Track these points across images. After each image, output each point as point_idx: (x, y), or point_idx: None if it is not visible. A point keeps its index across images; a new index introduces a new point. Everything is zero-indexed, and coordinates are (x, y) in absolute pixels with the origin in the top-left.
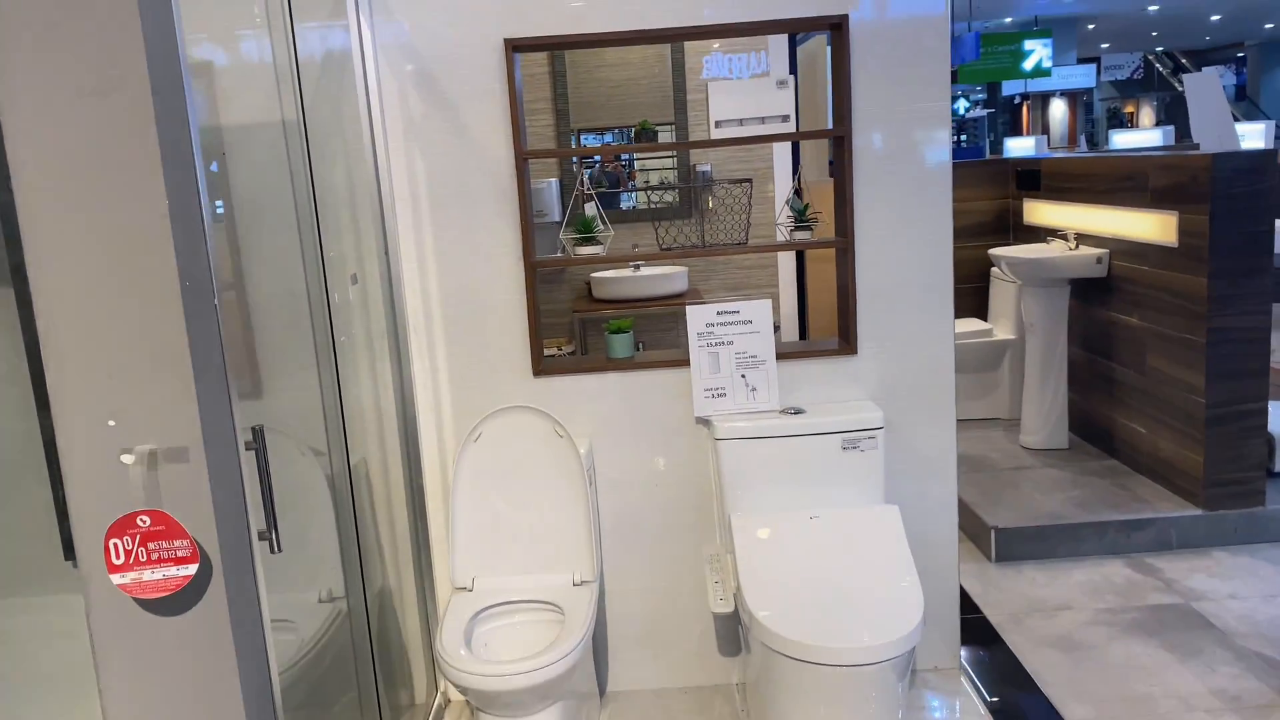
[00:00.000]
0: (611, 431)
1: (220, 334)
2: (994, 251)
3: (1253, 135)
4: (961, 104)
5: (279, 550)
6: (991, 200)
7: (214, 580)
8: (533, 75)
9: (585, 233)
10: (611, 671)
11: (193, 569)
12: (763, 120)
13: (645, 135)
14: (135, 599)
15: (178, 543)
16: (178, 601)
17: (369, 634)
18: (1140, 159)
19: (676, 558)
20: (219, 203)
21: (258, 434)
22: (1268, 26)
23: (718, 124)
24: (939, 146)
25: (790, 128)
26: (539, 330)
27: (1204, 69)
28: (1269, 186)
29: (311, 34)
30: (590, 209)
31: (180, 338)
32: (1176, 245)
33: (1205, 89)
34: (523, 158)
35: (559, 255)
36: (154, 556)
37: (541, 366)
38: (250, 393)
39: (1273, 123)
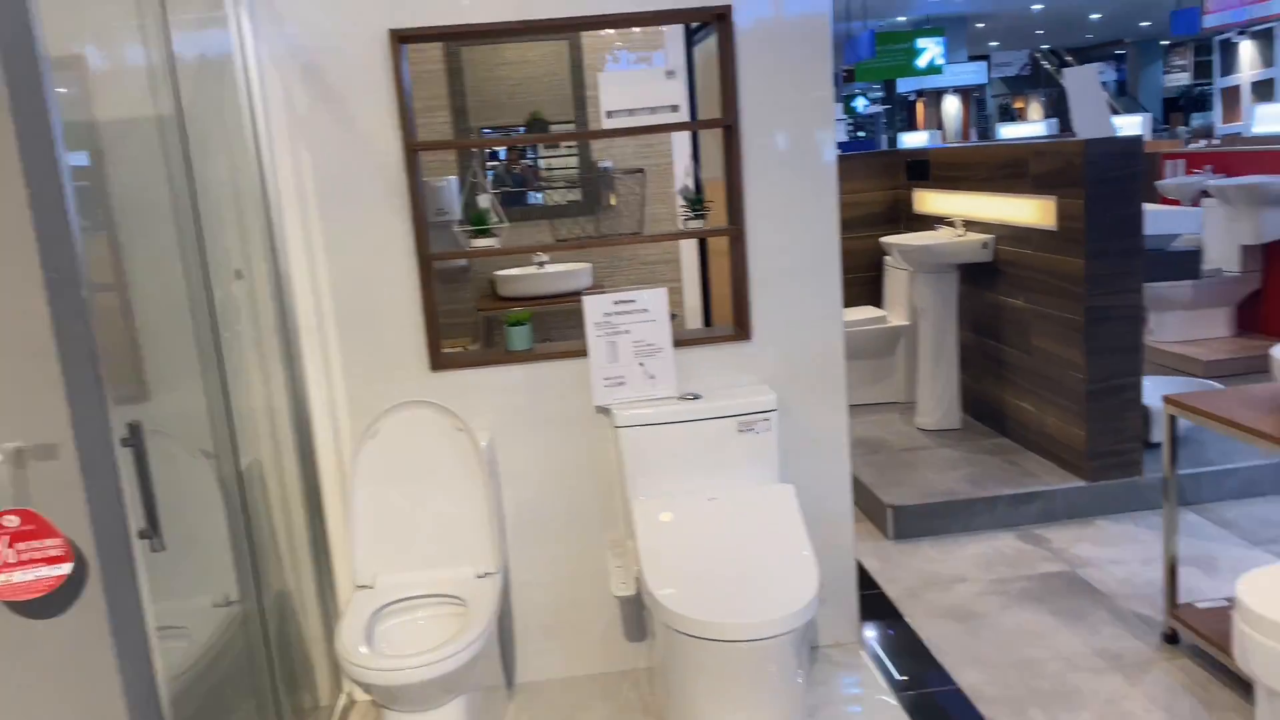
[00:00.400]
0: (513, 424)
1: (90, 326)
2: (886, 240)
3: (1131, 127)
4: (860, 101)
5: (163, 549)
6: (883, 191)
7: (91, 580)
8: (429, 73)
9: (479, 225)
10: (519, 662)
11: (67, 568)
12: (653, 110)
13: (537, 125)
14: (6, 601)
15: (49, 542)
16: (52, 603)
17: (266, 638)
18: (1020, 147)
19: (581, 547)
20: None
21: (135, 430)
22: (1144, 24)
23: (609, 114)
24: (825, 136)
25: (681, 118)
26: (436, 324)
27: (1086, 65)
28: (1138, 171)
29: (189, 27)
30: (483, 201)
31: (45, 330)
32: (1056, 229)
33: (1084, 83)
34: (413, 150)
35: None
36: (24, 557)
37: (440, 361)
38: (136, 395)
39: (1150, 115)
